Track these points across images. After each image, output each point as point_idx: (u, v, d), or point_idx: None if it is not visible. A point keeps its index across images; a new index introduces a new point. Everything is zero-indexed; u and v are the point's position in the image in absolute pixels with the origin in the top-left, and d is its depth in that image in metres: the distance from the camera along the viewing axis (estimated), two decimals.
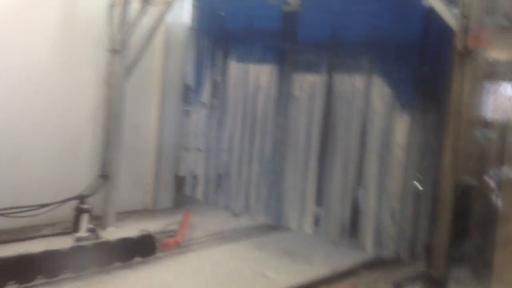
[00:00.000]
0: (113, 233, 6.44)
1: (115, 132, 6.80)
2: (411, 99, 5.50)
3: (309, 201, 6.04)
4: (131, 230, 6.46)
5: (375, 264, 6.05)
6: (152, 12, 6.83)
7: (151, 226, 6.58)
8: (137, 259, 5.63)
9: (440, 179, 4.44)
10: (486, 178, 6.33)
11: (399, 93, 5.50)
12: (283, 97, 6.34)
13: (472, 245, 6.07)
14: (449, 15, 4.64)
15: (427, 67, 5.66)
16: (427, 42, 5.61)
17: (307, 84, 6.05)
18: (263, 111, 6.42)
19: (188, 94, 9.54)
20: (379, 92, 5.57)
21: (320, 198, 6.01)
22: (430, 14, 4.97)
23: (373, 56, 5.61)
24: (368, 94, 5.64)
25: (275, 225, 7.16)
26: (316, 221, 6.04)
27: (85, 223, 6.10)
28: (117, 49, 6.71)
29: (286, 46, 6.33)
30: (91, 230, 5.95)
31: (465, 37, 4.53)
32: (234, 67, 6.78)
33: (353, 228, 5.87)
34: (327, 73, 5.91)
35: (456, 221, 4.34)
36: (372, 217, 5.64)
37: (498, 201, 6.42)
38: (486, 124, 6.75)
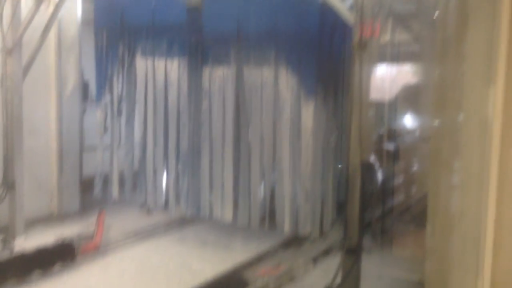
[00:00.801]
0: (25, 243, 6.13)
1: (15, 136, 6.41)
2: (314, 86, 5.90)
3: (227, 190, 6.25)
4: (42, 237, 6.22)
5: (293, 243, 6.48)
6: (44, 8, 6.53)
7: (63, 231, 6.38)
8: (57, 267, 5.44)
9: (348, 157, 4.88)
10: (381, 153, 7.07)
11: (303, 82, 5.87)
12: (194, 91, 6.43)
13: (375, 216, 6.78)
14: (344, 11, 5.06)
15: (324, 57, 6.12)
16: (324, 33, 6.05)
17: (217, 77, 6.21)
18: (174, 105, 6.45)
19: (88, 91, 9.26)
20: (285, 82, 5.91)
21: (237, 186, 6.24)
22: (326, 7, 5.36)
23: (277, 48, 5.91)
24: (276, 84, 5.95)
25: (191, 219, 7.30)
26: (235, 209, 6.27)
27: None
28: (10, 49, 6.30)
29: (191, 40, 6.41)
30: (3, 242, 5.61)
31: (360, 30, 4.96)
32: (140, 62, 6.69)
33: (271, 212, 6.20)
34: (236, 66, 6.11)
35: (362, 195, 4.79)
36: (287, 199, 6.00)
37: (393, 174, 7.20)
38: (377, 105, 7.52)
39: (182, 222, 7.34)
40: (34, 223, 6.97)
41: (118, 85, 6.90)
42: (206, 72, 6.29)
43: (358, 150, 4.91)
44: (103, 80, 7.01)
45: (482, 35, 2.50)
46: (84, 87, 8.80)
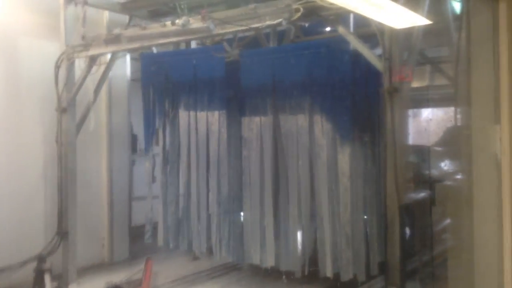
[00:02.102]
0: None
1: (70, 188, 6.87)
2: (349, 131, 6.03)
3: (268, 235, 6.37)
4: (94, 285, 6.52)
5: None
6: (96, 69, 7.07)
7: (113, 278, 6.65)
8: None
9: (386, 202, 4.93)
10: (421, 196, 7.01)
11: (337, 127, 6.02)
12: (234, 140, 6.71)
13: (418, 259, 6.66)
14: (374, 58, 5.26)
15: (359, 102, 6.27)
16: (357, 79, 6.24)
17: (255, 126, 6.45)
18: (215, 154, 6.73)
19: (136, 144, 9.79)
20: (320, 128, 6.07)
21: (278, 231, 6.36)
22: (358, 54, 5.57)
23: (312, 96, 6.13)
24: (311, 131, 6.12)
25: (235, 265, 7.44)
26: (277, 255, 6.35)
27: (48, 283, 6.08)
28: (65, 108, 6.86)
29: (230, 93, 6.75)
30: None
31: (390, 76, 5.13)
32: (183, 116, 7.06)
33: (314, 257, 6.24)
34: (272, 115, 6.35)
35: (402, 240, 4.80)
36: (328, 244, 6.04)
37: (432, 217, 7.10)
38: (414, 147, 7.52)
39: (226, 268, 7.48)
40: (86, 270, 7.32)
41: (164, 137, 7.27)
42: (245, 121, 6.56)
43: (395, 195, 4.97)
44: (151, 133, 7.40)
45: (484, 79, 2.61)
46: (133, 140, 9.34)
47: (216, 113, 6.76)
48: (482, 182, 2.92)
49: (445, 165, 7.38)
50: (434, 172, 7.25)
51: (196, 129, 6.90)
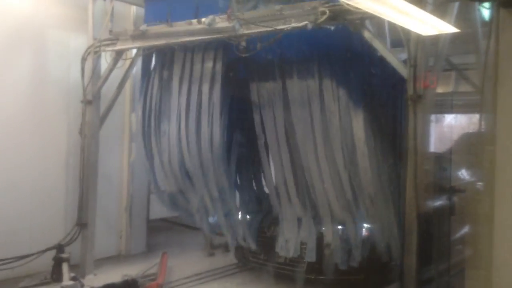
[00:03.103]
0: (94, 280, 6.55)
1: (91, 180, 6.97)
2: (361, 95, 5.88)
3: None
4: (110, 276, 6.61)
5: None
6: (121, 63, 7.16)
7: (129, 271, 6.74)
8: None
9: (405, 209, 4.89)
10: (442, 204, 6.93)
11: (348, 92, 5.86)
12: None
13: (434, 268, 6.60)
14: (399, 65, 5.20)
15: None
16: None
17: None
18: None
19: None
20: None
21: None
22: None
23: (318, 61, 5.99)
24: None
25: (250, 263, 7.44)
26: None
27: (66, 272, 6.20)
28: (90, 100, 6.96)
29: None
30: (74, 279, 6.04)
31: (415, 83, 5.07)
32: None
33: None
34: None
35: (420, 249, 4.75)
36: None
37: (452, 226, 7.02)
38: (436, 155, 7.43)
39: (240, 266, 7.51)
40: (103, 261, 7.43)
41: None
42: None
43: (414, 203, 4.93)
44: None
45: (510, 95, 2.58)
46: None
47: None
48: (504, 201, 2.89)
49: (466, 174, 7.29)
50: (455, 181, 7.16)
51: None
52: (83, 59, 6.95)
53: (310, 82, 5.99)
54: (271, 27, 5.41)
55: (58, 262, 6.46)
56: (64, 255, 6.50)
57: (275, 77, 6.26)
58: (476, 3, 5.79)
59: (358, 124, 5.83)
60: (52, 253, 6.59)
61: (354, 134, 5.86)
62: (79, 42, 7.21)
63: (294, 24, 5.29)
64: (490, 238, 3.21)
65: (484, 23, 6.09)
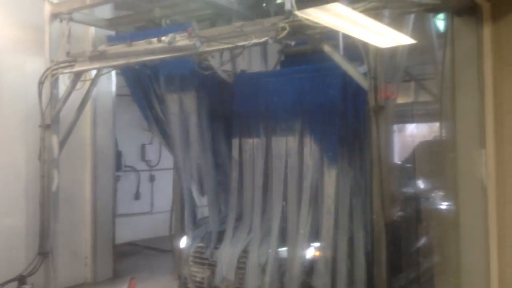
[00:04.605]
0: None
1: (52, 207, 6.73)
2: (336, 154, 5.97)
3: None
4: None
5: None
6: (81, 84, 6.99)
7: None
8: None
9: (373, 220, 4.91)
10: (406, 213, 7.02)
11: (325, 150, 5.97)
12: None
13: (405, 276, 6.64)
14: (359, 77, 5.27)
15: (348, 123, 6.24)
16: (347, 101, 6.18)
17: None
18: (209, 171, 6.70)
19: (121, 160, 9.68)
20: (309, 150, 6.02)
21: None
22: (348, 75, 5.56)
23: (302, 119, 6.11)
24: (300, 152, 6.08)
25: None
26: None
27: None
28: (48, 124, 6.76)
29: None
30: None
31: (375, 94, 5.15)
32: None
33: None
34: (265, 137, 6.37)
35: (389, 258, 4.77)
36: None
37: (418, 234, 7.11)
38: (400, 163, 7.55)
39: None
40: None
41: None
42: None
43: (381, 213, 4.96)
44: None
45: (468, 104, 2.63)
46: (118, 156, 9.23)
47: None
48: (467, 208, 2.93)
49: (429, 182, 7.41)
50: (418, 190, 7.28)
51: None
52: (40, 83, 6.74)
53: (290, 138, 6.14)
54: (232, 44, 5.41)
55: None
56: (26, 287, 6.23)
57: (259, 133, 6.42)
58: (431, 15, 5.94)
59: (330, 179, 5.90)
60: (14, 285, 6.32)
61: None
62: (36, 65, 7.01)
63: (255, 40, 5.30)
64: (457, 245, 3.25)
65: (439, 35, 6.26)
